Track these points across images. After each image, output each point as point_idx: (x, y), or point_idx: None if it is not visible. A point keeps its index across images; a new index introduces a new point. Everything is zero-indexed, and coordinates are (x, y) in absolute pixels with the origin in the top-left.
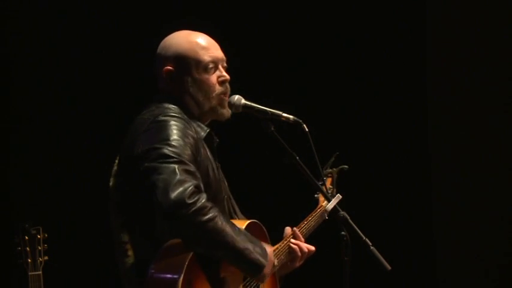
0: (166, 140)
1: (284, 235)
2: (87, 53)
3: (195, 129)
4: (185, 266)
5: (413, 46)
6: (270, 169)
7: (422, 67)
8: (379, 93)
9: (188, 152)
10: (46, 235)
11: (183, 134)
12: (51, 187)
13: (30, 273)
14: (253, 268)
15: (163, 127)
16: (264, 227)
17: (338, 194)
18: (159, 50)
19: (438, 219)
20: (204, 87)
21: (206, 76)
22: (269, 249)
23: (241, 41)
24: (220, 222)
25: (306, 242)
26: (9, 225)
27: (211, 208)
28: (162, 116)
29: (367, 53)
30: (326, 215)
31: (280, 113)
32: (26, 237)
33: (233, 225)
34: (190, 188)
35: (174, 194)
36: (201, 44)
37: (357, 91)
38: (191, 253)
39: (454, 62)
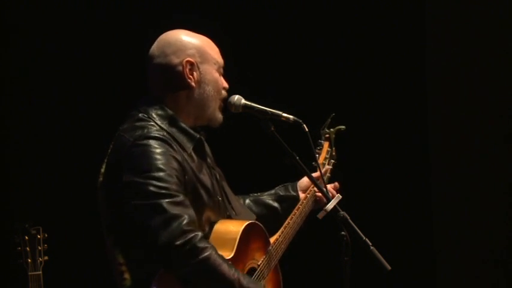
0: (148, 171)
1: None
2: (89, 53)
3: (179, 147)
4: None
5: (413, 45)
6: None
7: (422, 66)
8: (379, 93)
9: (174, 180)
10: (46, 235)
11: (166, 160)
12: (51, 187)
13: (30, 273)
14: None
15: (145, 154)
16: (262, 227)
17: (338, 194)
18: (168, 44)
19: (438, 219)
20: (217, 87)
21: (219, 77)
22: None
23: (241, 41)
24: (212, 262)
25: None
26: (9, 225)
27: (203, 249)
28: (144, 139)
29: (367, 52)
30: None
31: (280, 113)
32: (26, 237)
33: (225, 262)
34: (180, 227)
35: (162, 237)
36: (213, 45)
37: (356, 91)
38: None
39: (454, 62)
